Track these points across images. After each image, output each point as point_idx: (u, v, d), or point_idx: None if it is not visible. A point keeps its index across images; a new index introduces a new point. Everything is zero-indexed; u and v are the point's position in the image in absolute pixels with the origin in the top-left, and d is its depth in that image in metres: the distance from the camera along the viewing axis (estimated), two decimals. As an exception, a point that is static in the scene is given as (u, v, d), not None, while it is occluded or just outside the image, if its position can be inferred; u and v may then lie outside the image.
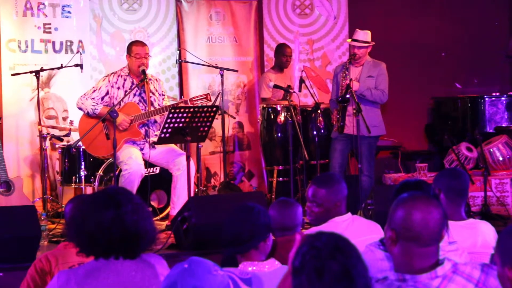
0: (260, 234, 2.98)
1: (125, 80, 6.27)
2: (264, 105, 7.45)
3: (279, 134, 7.36)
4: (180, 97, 7.69)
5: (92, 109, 6.15)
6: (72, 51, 7.60)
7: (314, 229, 3.64)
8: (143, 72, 6.17)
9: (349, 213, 3.74)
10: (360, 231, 3.61)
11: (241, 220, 2.99)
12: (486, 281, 2.38)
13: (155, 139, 6.09)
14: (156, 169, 6.65)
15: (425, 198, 2.41)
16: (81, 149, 6.81)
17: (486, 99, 8.46)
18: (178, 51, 7.61)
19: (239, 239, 2.96)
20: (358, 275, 1.97)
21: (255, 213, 3.00)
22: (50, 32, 7.58)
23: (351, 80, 6.53)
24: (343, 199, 3.71)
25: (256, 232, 2.97)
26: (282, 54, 7.86)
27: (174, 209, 6.02)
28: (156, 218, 6.57)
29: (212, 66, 7.29)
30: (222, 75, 7.07)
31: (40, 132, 6.88)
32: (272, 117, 7.35)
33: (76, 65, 6.93)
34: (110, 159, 6.34)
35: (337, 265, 1.96)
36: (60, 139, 7.01)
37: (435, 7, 9.22)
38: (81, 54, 7.15)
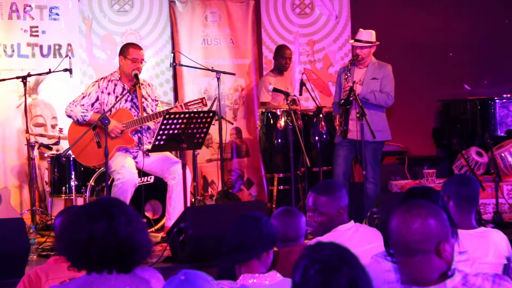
0: (265, 244, 2.99)
1: (115, 85, 6.27)
2: (263, 110, 7.45)
3: (279, 140, 7.37)
4: (175, 102, 7.71)
5: (82, 116, 6.16)
6: (60, 55, 7.61)
7: (318, 239, 3.65)
8: (136, 76, 6.17)
9: (352, 221, 3.76)
10: (365, 240, 3.63)
11: (248, 227, 3.00)
12: (498, 293, 2.38)
13: (149, 146, 6.10)
14: (150, 178, 6.66)
15: (417, 206, 2.34)
16: (71, 158, 6.81)
17: (497, 101, 8.47)
18: (172, 54, 7.60)
19: (242, 246, 2.96)
20: (365, 286, 1.98)
21: (263, 222, 3.02)
22: (37, 36, 7.60)
23: (354, 82, 6.54)
24: (346, 207, 3.73)
25: (261, 240, 2.98)
26: (281, 56, 7.86)
27: (169, 220, 6.02)
28: (151, 229, 6.58)
29: (208, 70, 7.29)
30: (218, 79, 7.06)
31: (28, 140, 6.88)
32: (271, 122, 7.36)
33: (65, 70, 6.92)
34: (102, 168, 6.33)
35: (344, 278, 1.97)
36: (49, 147, 7.01)
37: (442, 5, 9.23)
38: (70, 58, 7.13)
